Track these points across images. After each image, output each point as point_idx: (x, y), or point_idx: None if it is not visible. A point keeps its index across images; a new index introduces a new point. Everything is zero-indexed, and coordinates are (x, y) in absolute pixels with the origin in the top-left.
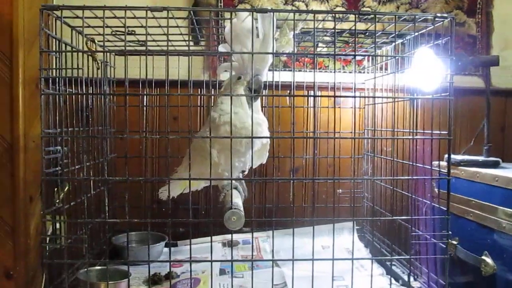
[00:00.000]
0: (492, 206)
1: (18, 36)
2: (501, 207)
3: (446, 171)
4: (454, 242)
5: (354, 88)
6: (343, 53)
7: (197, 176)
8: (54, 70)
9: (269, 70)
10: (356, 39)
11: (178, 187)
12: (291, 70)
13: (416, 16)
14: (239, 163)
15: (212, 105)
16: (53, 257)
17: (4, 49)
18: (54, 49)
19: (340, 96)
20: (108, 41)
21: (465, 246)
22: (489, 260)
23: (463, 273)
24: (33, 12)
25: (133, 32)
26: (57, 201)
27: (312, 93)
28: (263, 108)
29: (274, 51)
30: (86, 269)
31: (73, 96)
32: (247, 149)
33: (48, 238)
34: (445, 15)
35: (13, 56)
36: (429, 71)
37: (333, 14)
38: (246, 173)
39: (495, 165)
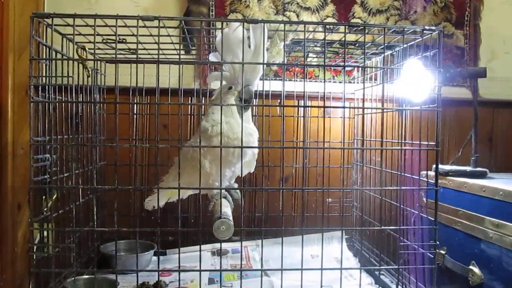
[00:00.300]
0: (479, 216)
1: (8, 43)
2: (488, 217)
3: (434, 181)
4: (442, 252)
5: (344, 98)
6: (333, 63)
7: (185, 185)
8: (44, 78)
9: (260, 79)
10: (346, 50)
11: (165, 196)
12: (281, 80)
13: (405, 29)
14: (229, 172)
15: (203, 114)
16: (41, 266)
17: None
18: (44, 57)
19: (330, 107)
20: (99, 49)
21: (453, 255)
22: (476, 269)
23: (451, 282)
24: (23, 20)
25: (124, 41)
26: (45, 209)
27: (302, 102)
28: (253, 117)
29: (265, 61)
30: (73, 278)
31: (63, 104)
32: (239, 160)
33: (35, 247)
34: (433, 27)
35: (2, 63)
36: (417, 82)
37: (324, 25)
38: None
39: (482, 175)
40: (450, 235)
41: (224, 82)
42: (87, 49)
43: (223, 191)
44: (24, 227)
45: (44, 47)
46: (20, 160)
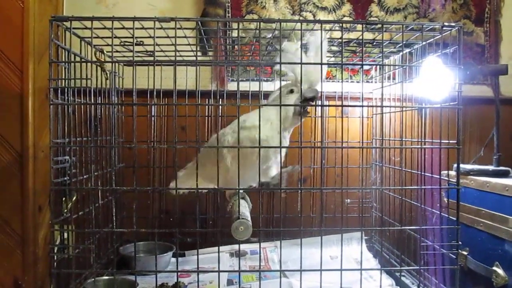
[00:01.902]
0: (502, 216)
1: (28, 47)
2: None
3: (455, 180)
4: (464, 253)
5: (362, 97)
6: (351, 62)
7: (206, 177)
8: (63, 81)
9: (276, 79)
10: (364, 48)
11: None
12: None
13: (424, 26)
14: (250, 177)
15: (220, 115)
16: (61, 267)
17: (15, 60)
18: (63, 60)
19: (348, 106)
20: (117, 51)
21: (476, 256)
22: (500, 271)
23: (474, 284)
24: (43, 24)
25: (141, 43)
26: (65, 210)
27: (319, 102)
28: None
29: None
30: (93, 279)
31: (82, 106)
32: (263, 163)
33: (56, 248)
34: (453, 24)
35: (23, 67)
36: (437, 80)
37: (340, 24)
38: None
39: (505, 174)
40: (473, 236)
41: (288, 88)
42: (105, 52)
43: (241, 191)
44: (45, 228)
45: (63, 50)
46: (41, 162)
